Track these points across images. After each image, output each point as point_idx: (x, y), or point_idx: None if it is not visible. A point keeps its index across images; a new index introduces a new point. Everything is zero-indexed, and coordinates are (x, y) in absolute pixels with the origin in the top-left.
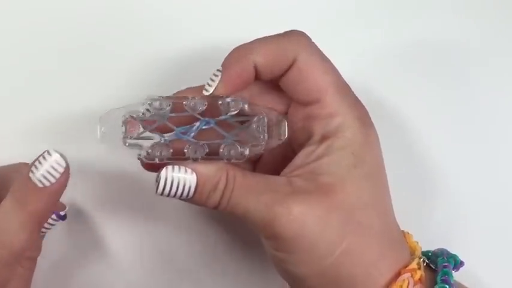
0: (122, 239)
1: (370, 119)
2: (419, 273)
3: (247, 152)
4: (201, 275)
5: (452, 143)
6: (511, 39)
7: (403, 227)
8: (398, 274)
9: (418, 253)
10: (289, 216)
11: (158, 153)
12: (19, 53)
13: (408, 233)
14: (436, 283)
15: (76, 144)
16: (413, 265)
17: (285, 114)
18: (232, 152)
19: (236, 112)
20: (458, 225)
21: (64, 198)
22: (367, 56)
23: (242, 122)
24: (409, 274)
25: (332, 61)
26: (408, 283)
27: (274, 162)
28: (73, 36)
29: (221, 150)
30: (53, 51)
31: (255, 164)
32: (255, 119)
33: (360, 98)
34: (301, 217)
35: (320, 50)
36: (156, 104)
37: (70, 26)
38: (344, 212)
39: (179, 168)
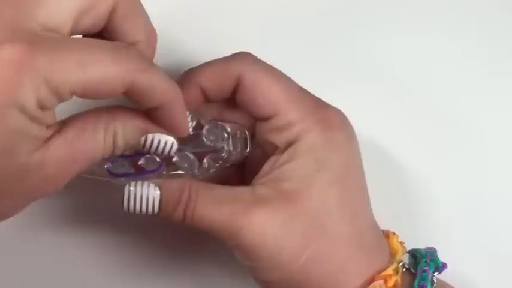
0: (116, 239)
1: (337, 119)
2: (394, 279)
3: (205, 163)
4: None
5: (434, 145)
6: (488, 44)
7: (391, 226)
8: (371, 280)
9: (399, 257)
10: (251, 226)
11: (120, 171)
12: None
13: (394, 233)
14: None
15: None
16: (389, 271)
17: (254, 129)
18: (188, 163)
19: (193, 126)
20: (445, 225)
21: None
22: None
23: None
24: (381, 281)
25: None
26: None
27: (258, 168)
28: None
29: (174, 160)
30: None
31: (242, 171)
32: (205, 128)
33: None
34: (262, 227)
35: (267, 65)
36: None
37: None
38: (307, 218)
39: (142, 184)
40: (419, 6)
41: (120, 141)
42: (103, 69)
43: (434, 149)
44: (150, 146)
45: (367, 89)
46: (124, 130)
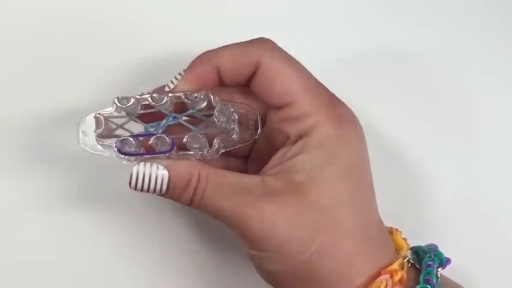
0: (116, 235)
1: (348, 116)
2: (399, 274)
3: (215, 144)
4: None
5: (437, 144)
6: (496, 45)
7: (394, 223)
8: (378, 274)
9: (404, 252)
10: (260, 217)
11: (129, 150)
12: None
13: (397, 230)
14: (418, 283)
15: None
16: (395, 266)
17: (264, 117)
18: (198, 144)
19: (203, 106)
20: (448, 223)
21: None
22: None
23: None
24: (388, 276)
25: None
26: (386, 284)
27: (263, 160)
28: (59, 36)
29: (184, 140)
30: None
31: (246, 162)
32: (217, 108)
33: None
34: (271, 218)
35: (286, 53)
36: (124, 101)
37: (57, 26)
38: (316, 211)
39: (151, 164)
40: (427, 5)
41: None
42: None
43: (438, 147)
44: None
45: (373, 89)
46: None
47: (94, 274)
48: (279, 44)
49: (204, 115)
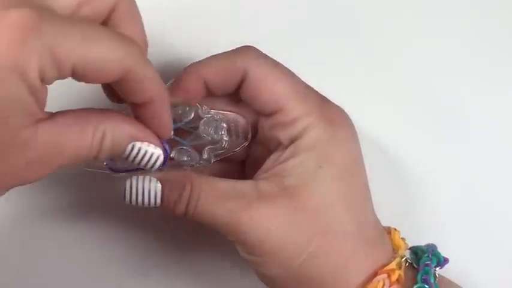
0: (118, 231)
1: (340, 116)
2: (397, 273)
3: (205, 154)
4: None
5: (434, 144)
6: (491, 44)
7: (392, 223)
8: (375, 274)
9: (402, 252)
10: (254, 222)
11: (121, 166)
12: None
13: (395, 229)
14: (416, 282)
15: None
16: (392, 265)
17: (257, 123)
18: (189, 156)
19: (191, 118)
20: (445, 224)
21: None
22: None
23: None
24: (385, 275)
25: None
26: (383, 284)
27: (259, 164)
28: None
29: (172, 155)
30: None
31: (243, 166)
32: (202, 122)
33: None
34: (265, 223)
35: (271, 60)
36: None
37: None
38: (310, 214)
39: (144, 178)
40: (422, 6)
41: (108, 144)
42: (106, 48)
43: (435, 146)
44: (135, 157)
45: (369, 89)
46: (114, 133)
47: (91, 278)
48: (274, 45)
49: (191, 127)
